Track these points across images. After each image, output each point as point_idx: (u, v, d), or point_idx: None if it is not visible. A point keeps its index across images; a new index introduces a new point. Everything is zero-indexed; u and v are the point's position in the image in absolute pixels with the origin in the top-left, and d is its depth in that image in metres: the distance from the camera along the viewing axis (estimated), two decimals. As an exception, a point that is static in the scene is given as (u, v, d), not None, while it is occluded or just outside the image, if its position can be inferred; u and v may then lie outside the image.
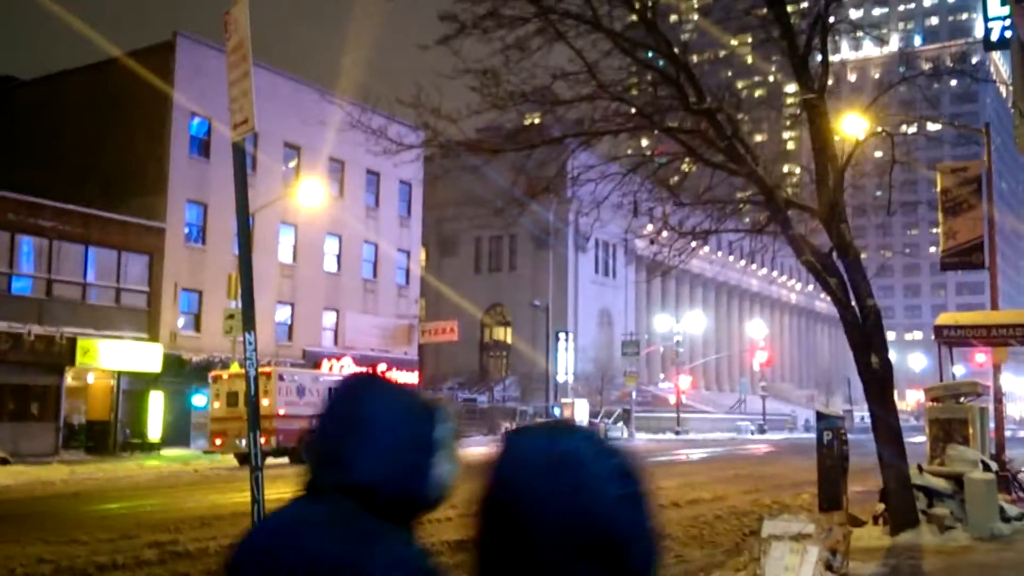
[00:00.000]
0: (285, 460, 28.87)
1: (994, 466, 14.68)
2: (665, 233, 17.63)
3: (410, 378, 48.72)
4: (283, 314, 43.59)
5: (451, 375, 69.03)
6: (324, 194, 40.77)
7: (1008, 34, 16.57)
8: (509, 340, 74.59)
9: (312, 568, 1.50)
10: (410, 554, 1.57)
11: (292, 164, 43.87)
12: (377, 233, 48.81)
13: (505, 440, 1.48)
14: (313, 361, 42.22)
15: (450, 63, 13.95)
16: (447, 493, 1.69)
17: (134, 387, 35.38)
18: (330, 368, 41.84)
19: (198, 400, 35.34)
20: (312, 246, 44.92)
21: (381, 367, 45.54)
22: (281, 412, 28.99)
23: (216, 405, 30.39)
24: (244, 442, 26.93)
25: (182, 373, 36.79)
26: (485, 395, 65.77)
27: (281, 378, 29.99)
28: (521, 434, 1.51)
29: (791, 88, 16.26)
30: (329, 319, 46.23)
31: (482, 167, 18.53)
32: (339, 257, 46.76)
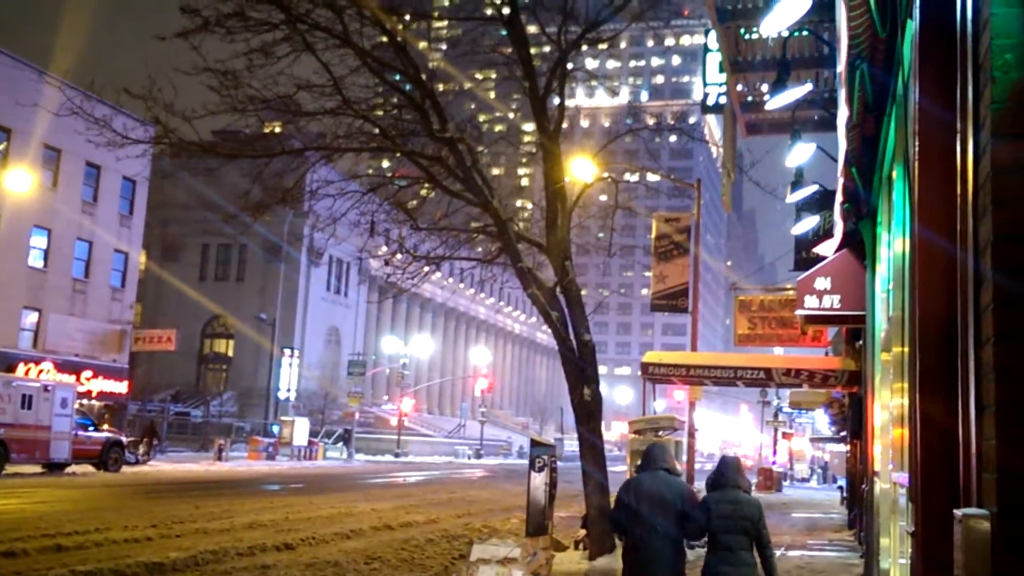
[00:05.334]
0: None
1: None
2: (400, 255, 17.74)
3: (118, 387, 45.60)
4: (-26, 310, 39.42)
5: (165, 386, 65.31)
6: (34, 183, 37.47)
7: (722, 100, 18.22)
8: (231, 353, 71.81)
9: (665, 488, 6.75)
10: (685, 484, 7.09)
11: (-1, 147, 39.97)
12: (93, 230, 45.39)
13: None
14: (8, 364, 38.42)
15: (189, 59, 13.31)
16: (678, 471, 7.35)
17: None
18: (27, 372, 38.25)
19: None
20: (15, 238, 41.02)
21: (86, 374, 42.31)
22: (-37, 418, 26.14)
23: None
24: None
25: None
26: (201, 409, 62.75)
27: (-34, 381, 27.08)
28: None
29: (529, 127, 16.95)
30: (30, 319, 42.35)
31: (216, 171, 17.82)
32: (46, 253, 43.01)
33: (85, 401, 39.87)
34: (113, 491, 24.49)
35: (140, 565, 11.75)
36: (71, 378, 39.12)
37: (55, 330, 43.04)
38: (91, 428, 32.29)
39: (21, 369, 38.60)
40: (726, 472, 6.85)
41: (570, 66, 16.35)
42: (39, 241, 42.59)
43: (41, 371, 39.39)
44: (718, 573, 6.64)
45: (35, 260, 42.55)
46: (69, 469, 30.45)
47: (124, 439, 34.15)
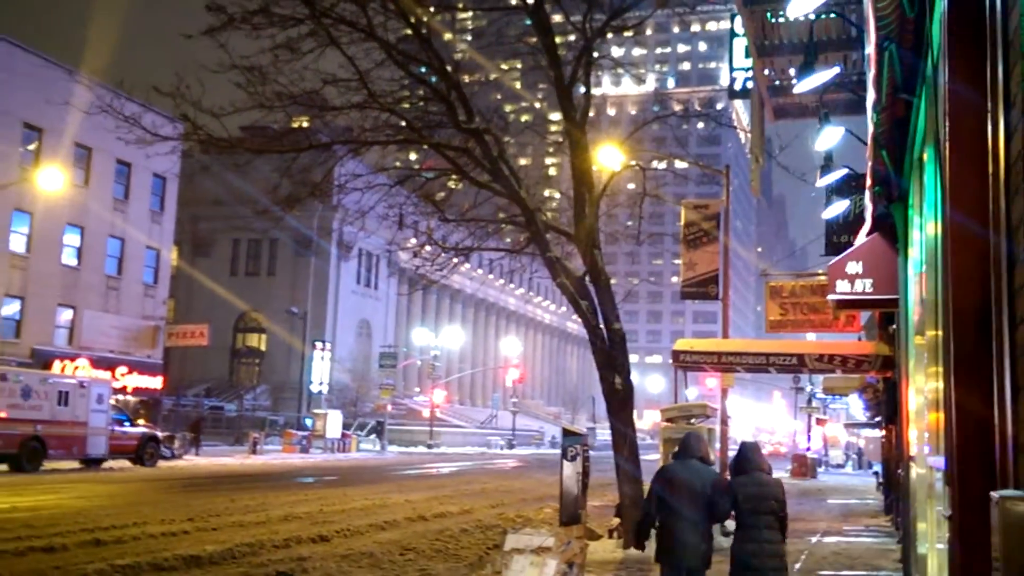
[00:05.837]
0: (3, 468, 26.47)
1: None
2: (428, 247, 17.79)
3: (152, 383, 46.14)
4: (11, 309, 40.03)
5: (199, 381, 66.00)
6: (66, 181, 37.93)
7: (749, 85, 18.08)
8: (263, 347, 72.35)
9: (696, 477, 7.25)
10: (715, 473, 7.73)
11: (32, 147, 40.48)
12: (125, 227, 45.89)
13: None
14: (44, 361, 39.01)
15: (215, 56, 13.42)
16: (711, 460, 8.07)
17: None
18: (63, 369, 38.80)
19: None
20: (50, 237, 41.59)
21: (121, 370, 42.84)
22: (1, 415, 26.56)
23: (-76, 405, 27.36)
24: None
25: None
26: (235, 403, 63.35)
27: (3, 378, 27.49)
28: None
29: (555, 116, 16.93)
30: (65, 316, 42.93)
31: (245, 166, 17.93)
32: (80, 250, 43.56)
33: (120, 397, 40.38)
34: (150, 485, 24.82)
35: (178, 558, 11.89)
36: (106, 374, 39.67)
37: (90, 327, 43.60)
38: (127, 423, 32.74)
39: (57, 366, 39.17)
40: (749, 456, 7.38)
41: (596, 54, 16.29)
42: (72, 239, 43.13)
43: (77, 368, 39.94)
44: (747, 552, 7.08)
45: (69, 258, 43.11)
46: (106, 464, 30.89)
47: (160, 434, 34.59)
